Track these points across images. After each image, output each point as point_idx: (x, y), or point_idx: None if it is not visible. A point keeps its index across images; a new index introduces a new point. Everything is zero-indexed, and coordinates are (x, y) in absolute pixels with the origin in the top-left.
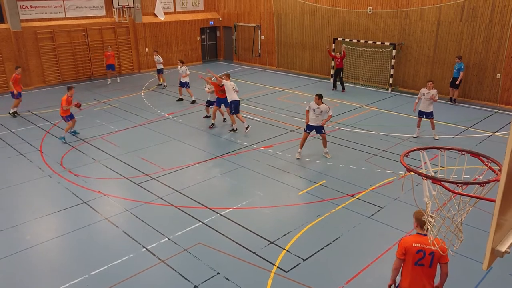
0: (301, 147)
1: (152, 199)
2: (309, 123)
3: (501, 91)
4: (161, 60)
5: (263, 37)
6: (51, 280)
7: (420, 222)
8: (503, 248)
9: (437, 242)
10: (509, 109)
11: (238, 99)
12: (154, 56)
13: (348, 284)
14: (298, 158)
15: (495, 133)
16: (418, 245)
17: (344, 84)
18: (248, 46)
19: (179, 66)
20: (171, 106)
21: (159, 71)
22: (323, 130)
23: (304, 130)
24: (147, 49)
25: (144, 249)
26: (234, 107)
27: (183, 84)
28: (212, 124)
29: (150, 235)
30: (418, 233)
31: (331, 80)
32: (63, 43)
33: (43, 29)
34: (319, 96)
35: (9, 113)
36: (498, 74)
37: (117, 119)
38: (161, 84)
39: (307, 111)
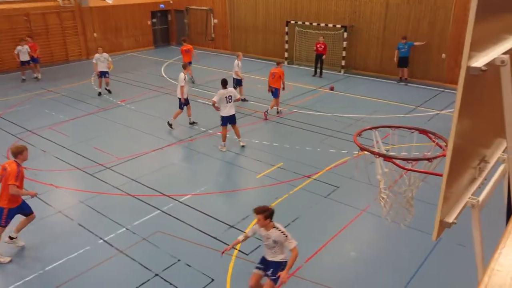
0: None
1: (107, 189)
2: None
3: (446, 71)
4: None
5: (216, 20)
6: (3, 278)
7: (14, 153)
8: (451, 219)
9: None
10: (454, 88)
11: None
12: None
13: (307, 262)
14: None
15: (442, 111)
16: (6, 165)
17: (313, 69)
18: (201, 30)
19: (98, 54)
20: (123, 93)
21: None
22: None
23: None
24: (95, 34)
25: (102, 241)
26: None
27: (103, 74)
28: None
29: (107, 226)
30: (13, 160)
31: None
32: (3, 29)
33: None
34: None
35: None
36: (443, 55)
37: (67, 108)
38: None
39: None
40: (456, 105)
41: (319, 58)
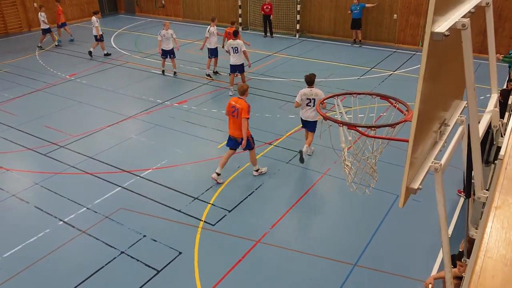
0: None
1: (63, 169)
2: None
3: (398, 31)
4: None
5: None
6: None
7: (240, 92)
8: (416, 185)
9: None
10: (406, 48)
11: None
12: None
13: (273, 228)
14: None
15: (395, 72)
16: (233, 102)
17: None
18: None
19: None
20: (72, 66)
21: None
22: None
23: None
24: (35, 4)
25: (62, 222)
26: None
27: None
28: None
29: (66, 207)
30: (239, 97)
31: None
32: None
33: None
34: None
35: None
36: (395, 15)
37: (11, 85)
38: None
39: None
40: (420, 71)
41: (267, 19)
